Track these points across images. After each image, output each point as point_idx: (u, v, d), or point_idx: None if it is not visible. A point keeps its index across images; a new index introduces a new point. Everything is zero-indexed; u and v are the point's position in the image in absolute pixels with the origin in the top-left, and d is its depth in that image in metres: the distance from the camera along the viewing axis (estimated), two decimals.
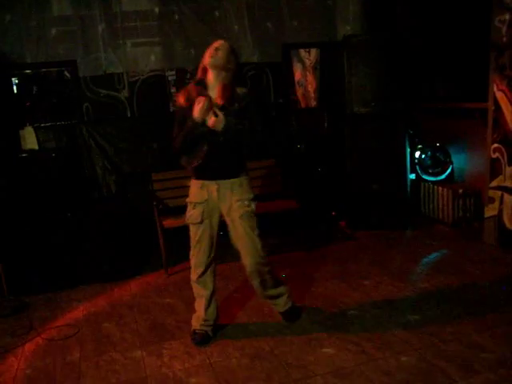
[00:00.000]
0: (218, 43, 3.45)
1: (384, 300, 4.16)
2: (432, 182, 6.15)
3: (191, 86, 3.55)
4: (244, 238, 3.58)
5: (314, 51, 6.54)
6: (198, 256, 3.67)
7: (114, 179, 5.75)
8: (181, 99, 3.52)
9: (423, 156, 6.19)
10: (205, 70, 3.50)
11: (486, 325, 3.61)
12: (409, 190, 6.00)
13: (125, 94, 5.79)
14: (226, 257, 4.81)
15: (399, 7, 6.30)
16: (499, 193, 5.01)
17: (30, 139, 5.45)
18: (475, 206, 5.76)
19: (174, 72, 5.93)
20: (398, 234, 5.78)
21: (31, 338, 3.98)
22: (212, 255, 3.69)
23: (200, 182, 3.58)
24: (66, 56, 5.61)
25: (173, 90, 5.91)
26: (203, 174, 3.56)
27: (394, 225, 5.90)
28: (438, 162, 6.15)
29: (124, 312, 4.35)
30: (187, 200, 3.66)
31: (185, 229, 5.15)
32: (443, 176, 6.14)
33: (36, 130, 5.50)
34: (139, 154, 5.78)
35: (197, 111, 3.35)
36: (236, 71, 3.54)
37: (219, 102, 3.42)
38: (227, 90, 3.45)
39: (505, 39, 4.72)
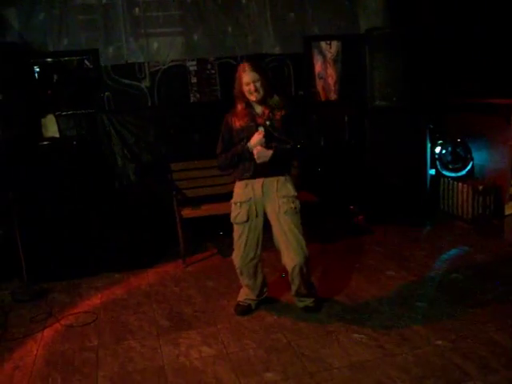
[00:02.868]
0: (248, 77, 3.62)
1: (402, 295, 4.15)
2: (452, 177, 6.08)
3: (241, 109, 3.73)
4: (288, 235, 3.69)
5: (335, 44, 6.48)
6: (241, 254, 3.80)
7: (134, 168, 5.77)
8: (236, 122, 3.72)
9: (443, 151, 6.12)
10: (243, 94, 3.68)
11: (505, 323, 3.57)
12: (428, 185, 5.96)
13: (146, 83, 5.80)
14: None
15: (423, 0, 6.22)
16: None
17: (51, 127, 5.49)
18: (495, 203, 5.70)
19: (194, 62, 5.92)
20: (417, 230, 5.75)
21: (50, 324, 4.04)
22: (258, 253, 3.82)
23: (244, 181, 3.73)
24: (88, 45, 5.61)
25: (194, 80, 5.91)
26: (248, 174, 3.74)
27: (413, 220, 5.86)
28: (458, 158, 6.08)
29: (141, 301, 4.39)
30: (232, 201, 3.81)
31: (203, 219, 5.22)
32: (463, 172, 6.07)
33: (57, 118, 5.53)
34: (159, 144, 5.79)
35: (255, 140, 3.58)
36: (269, 81, 3.74)
37: (262, 120, 3.66)
38: (270, 97, 3.71)
39: None
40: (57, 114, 5.56)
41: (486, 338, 3.39)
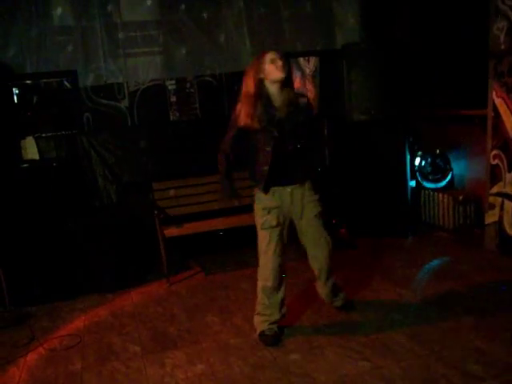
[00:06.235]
0: (276, 54, 3.46)
1: (386, 307, 4.16)
2: (432, 188, 6.14)
3: (255, 101, 3.47)
4: (319, 237, 3.76)
5: (313, 59, 6.55)
6: (271, 262, 3.65)
7: (115, 188, 5.75)
8: (250, 122, 3.45)
9: (423, 163, 6.18)
10: (260, 82, 3.48)
11: (488, 331, 3.59)
12: (409, 196, 6.01)
13: (125, 103, 5.81)
14: (227, 266, 4.84)
15: (398, 15, 6.32)
16: (499, 199, 5.01)
17: (30, 149, 5.46)
18: (476, 213, 5.76)
19: (173, 81, 5.94)
20: (399, 241, 5.77)
21: (33, 349, 3.98)
22: (283, 261, 3.72)
23: (271, 189, 3.58)
24: (67, 66, 5.61)
25: (173, 99, 5.92)
26: (273, 181, 3.57)
27: (395, 232, 5.90)
28: (438, 169, 6.14)
29: (125, 322, 4.35)
30: (259, 207, 3.63)
31: (185, 238, 5.20)
32: (443, 183, 6.14)
33: (37, 140, 5.50)
34: (140, 164, 5.78)
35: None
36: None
37: (283, 112, 3.48)
38: (295, 99, 3.56)
39: (503, 47, 4.74)
40: (36, 135, 5.54)
41: (471, 347, 3.40)
